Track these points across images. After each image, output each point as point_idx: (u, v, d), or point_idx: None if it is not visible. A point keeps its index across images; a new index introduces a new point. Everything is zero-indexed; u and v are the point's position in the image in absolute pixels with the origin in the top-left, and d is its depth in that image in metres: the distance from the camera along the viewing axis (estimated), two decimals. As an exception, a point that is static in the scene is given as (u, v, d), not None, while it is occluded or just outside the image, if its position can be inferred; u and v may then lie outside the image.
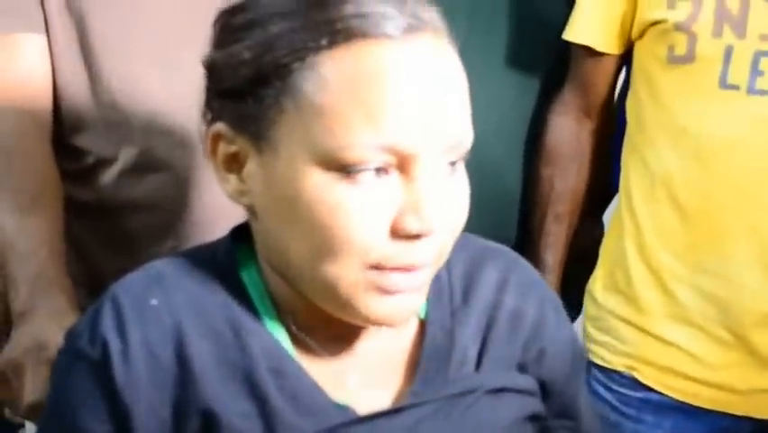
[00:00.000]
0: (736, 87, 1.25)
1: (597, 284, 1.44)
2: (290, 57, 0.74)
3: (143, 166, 1.25)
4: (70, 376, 0.83)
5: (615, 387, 1.41)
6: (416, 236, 0.74)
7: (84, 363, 0.81)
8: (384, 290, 0.76)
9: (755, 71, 1.24)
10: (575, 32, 1.40)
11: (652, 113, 1.34)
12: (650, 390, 1.39)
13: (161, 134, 1.21)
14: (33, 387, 1.03)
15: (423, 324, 0.88)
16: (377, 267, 0.75)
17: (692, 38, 1.27)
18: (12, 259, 1.14)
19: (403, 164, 0.74)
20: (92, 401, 0.81)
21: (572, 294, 1.51)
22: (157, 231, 1.28)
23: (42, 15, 1.22)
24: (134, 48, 1.23)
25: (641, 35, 1.34)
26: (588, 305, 1.46)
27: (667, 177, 1.32)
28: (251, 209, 0.82)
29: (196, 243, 1.22)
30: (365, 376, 0.85)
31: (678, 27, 1.27)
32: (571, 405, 0.99)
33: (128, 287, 0.84)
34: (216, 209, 1.20)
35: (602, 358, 1.42)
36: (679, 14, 1.27)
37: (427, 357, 0.86)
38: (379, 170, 0.74)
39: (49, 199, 1.19)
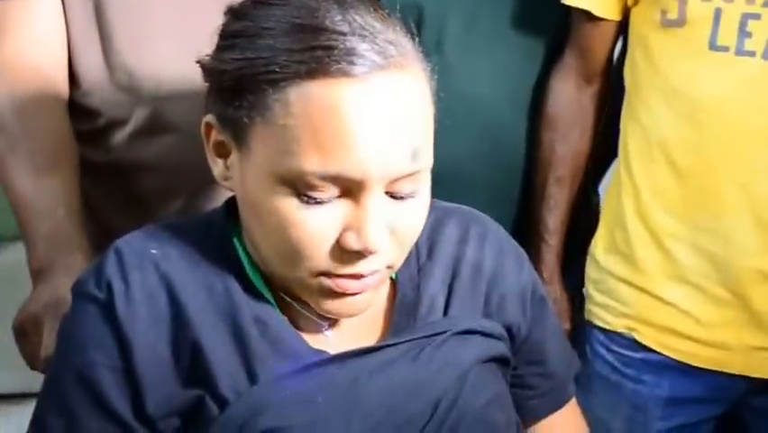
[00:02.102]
0: (725, 49, 1.26)
1: (598, 246, 1.46)
2: (264, 77, 0.80)
3: (154, 128, 1.26)
4: (80, 318, 0.89)
5: (616, 348, 1.43)
6: (359, 253, 0.81)
7: (92, 304, 0.88)
8: (332, 294, 0.84)
9: (743, 33, 1.25)
10: None
11: (647, 76, 1.35)
12: (649, 350, 1.40)
13: (173, 97, 1.22)
14: (51, 341, 1.06)
15: (395, 284, 0.95)
16: (325, 274, 0.83)
17: (683, 2, 1.27)
18: (30, 218, 1.17)
19: (351, 190, 0.80)
20: (101, 338, 0.87)
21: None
22: (166, 192, 1.30)
23: None
24: (147, 11, 1.23)
25: (636, 1, 1.35)
26: (589, 267, 1.47)
27: (662, 137, 1.33)
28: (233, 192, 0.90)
29: (205, 204, 1.26)
30: (342, 331, 0.93)
31: (669, -8, 1.28)
32: (538, 350, 1.03)
33: (129, 240, 0.91)
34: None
35: (603, 320, 1.44)
36: None
37: (398, 313, 0.93)
38: (328, 196, 0.80)
39: (65, 160, 1.21)
